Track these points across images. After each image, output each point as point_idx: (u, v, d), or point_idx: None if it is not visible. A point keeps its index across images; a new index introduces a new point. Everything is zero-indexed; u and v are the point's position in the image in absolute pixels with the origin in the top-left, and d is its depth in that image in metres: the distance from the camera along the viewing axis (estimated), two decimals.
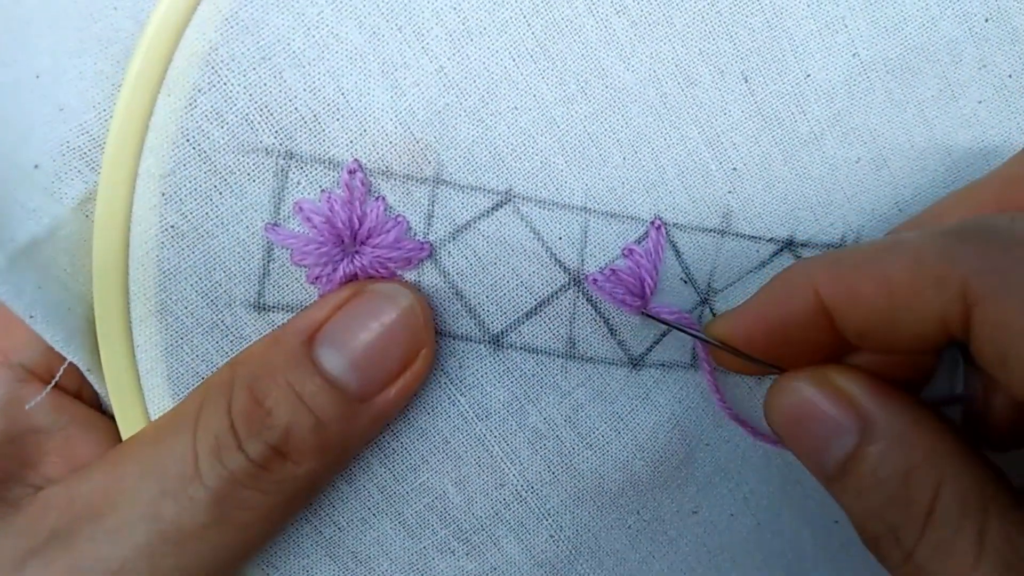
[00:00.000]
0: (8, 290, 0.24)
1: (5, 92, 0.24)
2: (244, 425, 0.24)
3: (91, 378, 0.26)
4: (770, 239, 0.29)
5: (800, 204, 0.29)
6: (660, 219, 0.28)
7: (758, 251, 0.29)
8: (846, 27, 0.28)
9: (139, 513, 0.24)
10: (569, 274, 0.28)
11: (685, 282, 0.29)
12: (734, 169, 0.29)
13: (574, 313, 0.28)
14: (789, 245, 0.29)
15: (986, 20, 0.28)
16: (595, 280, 0.28)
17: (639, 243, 0.28)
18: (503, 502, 0.29)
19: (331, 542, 0.28)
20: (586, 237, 0.28)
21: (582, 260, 0.28)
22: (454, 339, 0.28)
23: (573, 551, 0.30)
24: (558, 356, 0.29)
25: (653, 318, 0.28)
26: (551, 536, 0.30)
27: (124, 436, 0.27)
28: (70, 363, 0.26)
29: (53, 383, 0.26)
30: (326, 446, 0.25)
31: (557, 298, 0.28)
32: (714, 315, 0.30)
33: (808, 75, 0.28)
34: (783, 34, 0.28)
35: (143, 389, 0.26)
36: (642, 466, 0.30)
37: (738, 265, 0.29)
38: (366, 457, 0.28)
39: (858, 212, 0.29)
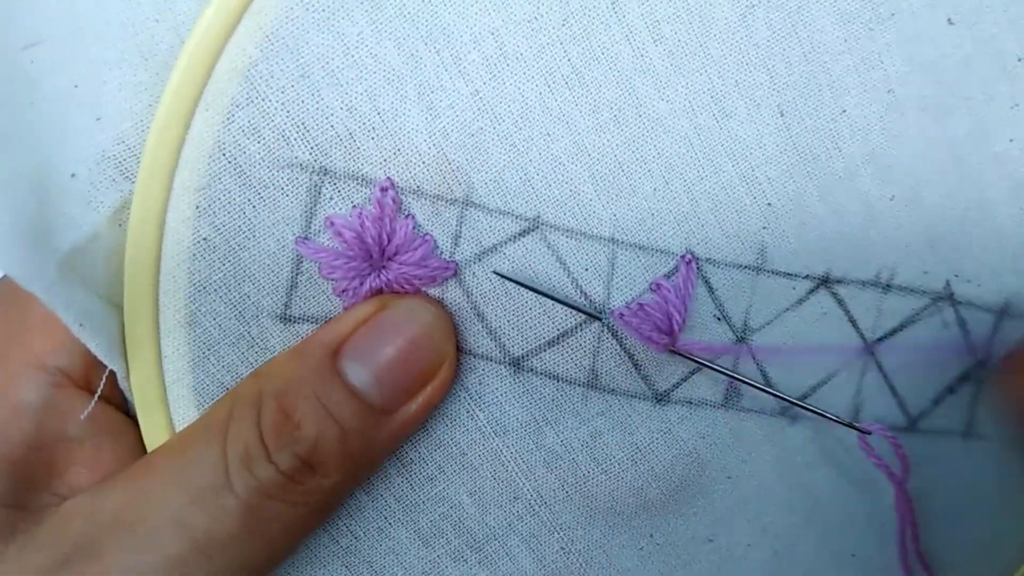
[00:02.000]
0: (60, 301, 0.24)
1: (44, 102, 0.25)
2: (273, 437, 0.25)
3: (124, 386, 0.27)
4: (806, 276, 0.29)
5: (835, 241, 0.29)
6: (691, 254, 0.29)
7: (794, 288, 0.29)
8: (882, 63, 0.28)
9: (169, 522, 0.24)
10: (594, 306, 0.28)
11: (719, 319, 0.29)
12: (769, 204, 0.29)
13: (598, 346, 0.29)
14: (825, 282, 0.30)
15: (1019, 59, 0.28)
16: (621, 315, 0.28)
17: (668, 278, 0.28)
18: (516, 514, 0.30)
19: (347, 551, 0.29)
20: (613, 269, 0.28)
21: (608, 293, 0.28)
22: (474, 357, 0.28)
23: (584, 565, 0.30)
24: (579, 385, 0.29)
25: (682, 355, 0.28)
26: (562, 548, 0.30)
27: (148, 445, 0.27)
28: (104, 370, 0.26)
29: (97, 395, 0.26)
30: (352, 458, 0.26)
31: (581, 330, 0.28)
32: (752, 355, 0.30)
33: (844, 111, 0.28)
34: (820, 68, 0.28)
35: (168, 400, 0.27)
36: (657, 493, 0.30)
37: (775, 303, 0.29)
38: (384, 467, 0.29)
39: (892, 248, 0.30)
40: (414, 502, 0.29)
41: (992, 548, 0.33)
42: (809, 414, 0.30)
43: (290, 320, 0.27)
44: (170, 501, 0.24)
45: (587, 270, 0.28)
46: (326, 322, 0.27)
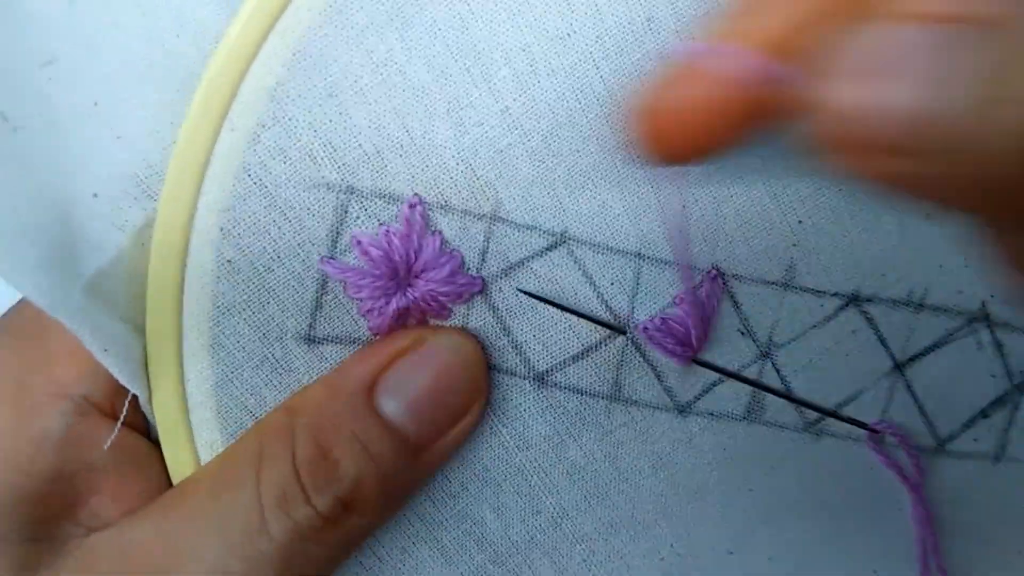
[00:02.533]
0: (85, 327, 0.23)
1: (64, 120, 0.24)
2: (311, 477, 0.24)
3: (146, 409, 0.26)
4: (835, 293, 0.29)
5: (867, 259, 0.29)
6: (717, 269, 0.28)
7: (822, 306, 0.29)
8: None
9: (206, 568, 0.23)
10: (619, 320, 0.28)
11: (743, 334, 0.29)
12: (799, 222, 0.28)
13: (622, 359, 0.29)
14: (855, 300, 0.29)
15: None
16: (645, 328, 0.28)
17: (693, 292, 0.28)
18: (539, 528, 0.30)
19: (371, 572, 0.29)
20: (638, 283, 0.28)
21: (632, 307, 0.28)
22: (499, 373, 0.28)
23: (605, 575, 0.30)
24: (602, 398, 0.29)
25: (704, 365, 0.28)
26: (584, 560, 0.30)
27: (171, 469, 0.27)
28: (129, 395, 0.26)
29: (121, 421, 0.26)
30: (389, 496, 0.26)
31: (606, 344, 0.28)
32: (777, 370, 0.30)
33: None
34: None
35: (192, 423, 0.27)
36: (677, 502, 0.30)
37: (802, 319, 0.29)
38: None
39: (926, 267, 0.29)
40: (437, 520, 0.29)
41: (1011, 565, 0.33)
42: (833, 431, 0.30)
43: (314, 341, 0.27)
44: (206, 546, 0.24)
45: (612, 284, 0.28)
46: (358, 353, 0.27)
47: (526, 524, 0.29)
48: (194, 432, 0.27)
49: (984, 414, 0.31)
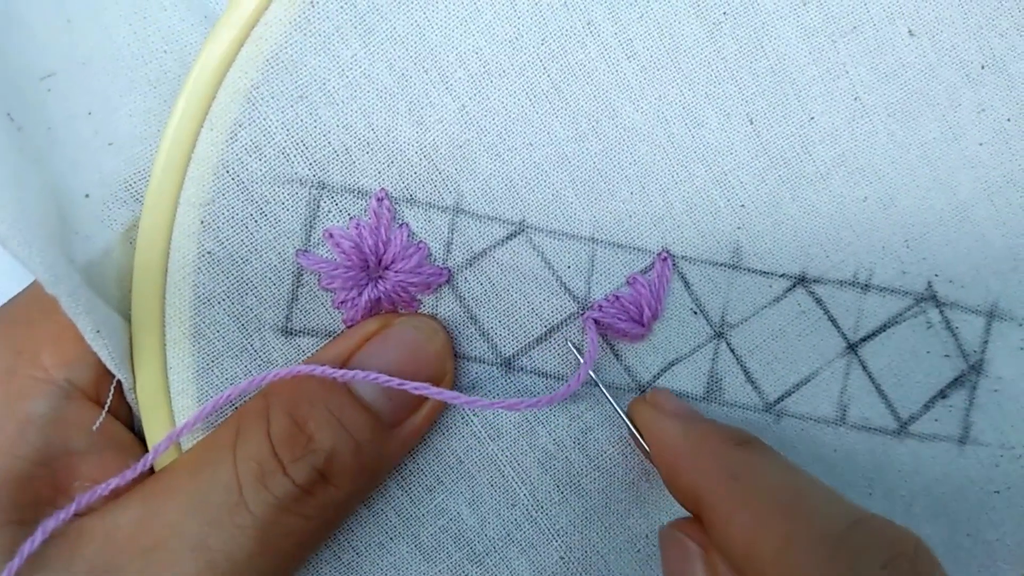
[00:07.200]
0: (82, 306, 0.25)
1: (60, 127, 0.28)
2: (287, 449, 0.26)
3: (130, 397, 0.29)
4: (782, 275, 0.32)
5: (810, 241, 0.32)
6: (667, 251, 0.31)
7: (771, 286, 0.32)
8: (847, 73, 0.31)
9: (188, 545, 0.25)
10: (577, 302, 0.31)
11: (695, 313, 0.32)
12: (742, 206, 0.31)
13: (581, 339, 0.31)
14: (802, 281, 0.32)
15: (982, 67, 0.31)
16: (599, 307, 0.31)
17: (644, 273, 0.31)
18: (514, 522, 0.31)
19: (349, 567, 0.31)
20: (593, 266, 0.31)
21: (589, 288, 0.31)
22: (468, 361, 0.31)
23: (583, 573, 0.32)
24: (565, 379, 0.31)
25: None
26: (561, 558, 0.32)
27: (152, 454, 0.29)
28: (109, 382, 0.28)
29: (107, 404, 0.28)
30: (363, 470, 0.28)
31: (566, 325, 0.31)
32: (732, 350, 0.32)
33: (812, 118, 0.31)
34: (786, 79, 0.31)
35: (173, 410, 0.29)
36: (648, 488, 0.32)
37: (752, 300, 0.32)
38: (384, 480, 0.31)
39: (868, 248, 0.32)
40: (414, 515, 0.31)
41: (991, 554, 0.34)
42: (792, 412, 0.32)
43: (291, 333, 0.30)
44: (187, 523, 0.25)
45: (570, 267, 0.31)
46: (331, 339, 0.30)
47: (502, 518, 0.31)
48: (176, 419, 0.29)
49: (943, 395, 0.33)
